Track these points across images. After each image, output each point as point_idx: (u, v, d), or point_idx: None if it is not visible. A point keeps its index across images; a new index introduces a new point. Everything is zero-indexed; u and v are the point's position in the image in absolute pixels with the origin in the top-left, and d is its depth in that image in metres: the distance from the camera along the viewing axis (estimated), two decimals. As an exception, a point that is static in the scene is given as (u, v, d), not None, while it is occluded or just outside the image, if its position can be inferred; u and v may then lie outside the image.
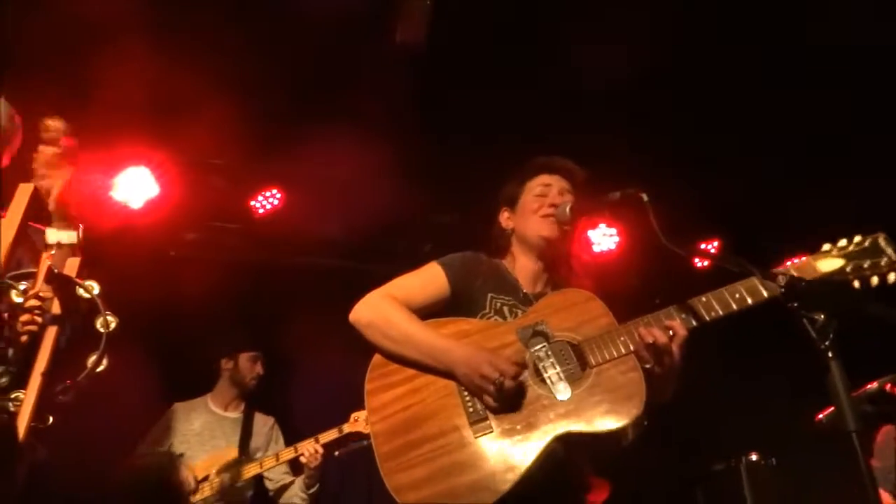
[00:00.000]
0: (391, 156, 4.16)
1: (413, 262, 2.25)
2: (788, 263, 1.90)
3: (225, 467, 3.72)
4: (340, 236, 5.00)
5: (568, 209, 2.17)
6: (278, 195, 4.77)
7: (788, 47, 3.97)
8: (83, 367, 1.59)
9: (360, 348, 2.10)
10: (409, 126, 4.26)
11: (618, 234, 5.06)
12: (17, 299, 1.58)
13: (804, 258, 1.90)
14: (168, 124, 4.15)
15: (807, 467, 4.10)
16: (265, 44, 3.86)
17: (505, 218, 2.33)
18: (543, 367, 1.94)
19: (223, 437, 3.88)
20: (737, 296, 1.90)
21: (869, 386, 3.12)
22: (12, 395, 1.52)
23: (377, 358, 2.07)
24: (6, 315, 1.63)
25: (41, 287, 1.59)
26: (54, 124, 1.94)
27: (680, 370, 1.93)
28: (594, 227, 5.01)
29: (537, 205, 2.23)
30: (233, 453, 3.78)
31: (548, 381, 1.92)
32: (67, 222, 1.93)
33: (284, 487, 3.90)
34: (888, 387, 3.09)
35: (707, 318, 1.91)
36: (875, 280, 1.81)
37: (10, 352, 1.59)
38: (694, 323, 1.92)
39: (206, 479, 3.68)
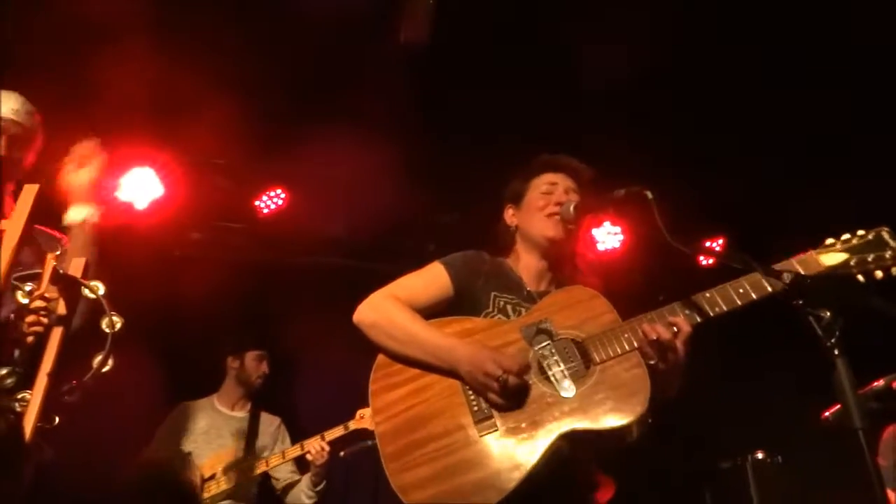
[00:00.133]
0: (395, 155, 4.16)
1: (417, 261, 2.25)
2: (792, 258, 1.89)
3: (231, 466, 3.73)
4: (344, 236, 5.01)
5: (572, 208, 2.17)
6: (282, 195, 4.78)
7: (789, 47, 3.96)
8: (89, 368, 1.59)
9: (365, 347, 2.10)
10: (413, 126, 4.26)
11: (622, 233, 5.05)
12: (23, 300, 1.59)
13: (808, 252, 1.90)
14: (172, 125, 4.16)
15: (813, 465, 4.08)
16: (269, 44, 3.87)
17: (509, 215, 2.33)
18: (548, 364, 1.94)
19: (229, 436, 3.88)
20: (740, 291, 1.89)
21: (875, 383, 3.11)
22: (19, 396, 1.53)
23: (381, 358, 2.07)
24: (12, 316, 1.64)
25: (47, 288, 1.60)
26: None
27: (684, 366, 1.92)
28: (599, 225, 5.00)
29: (542, 202, 2.22)
30: (239, 452, 3.79)
31: (552, 379, 1.91)
32: (92, 202, 2.11)
33: (291, 486, 3.91)
34: (895, 384, 3.08)
35: (711, 314, 1.91)
36: (879, 273, 1.81)
37: (17, 352, 1.60)
38: (698, 319, 1.91)
39: (212, 477, 3.69)
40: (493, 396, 1.90)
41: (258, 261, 4.96)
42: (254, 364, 4.06)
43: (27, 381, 1.56)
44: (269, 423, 4.04)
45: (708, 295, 1.92)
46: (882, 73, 4.00)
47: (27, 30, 3.25)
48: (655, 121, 4.23)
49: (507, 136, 4.11)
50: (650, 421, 1.90)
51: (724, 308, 1.90)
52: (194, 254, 4.79)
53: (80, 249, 2.05)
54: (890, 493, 3.33)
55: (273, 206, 4.78)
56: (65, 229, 2.14)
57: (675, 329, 1.89)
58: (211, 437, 3.86)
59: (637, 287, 4.88)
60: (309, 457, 3.72)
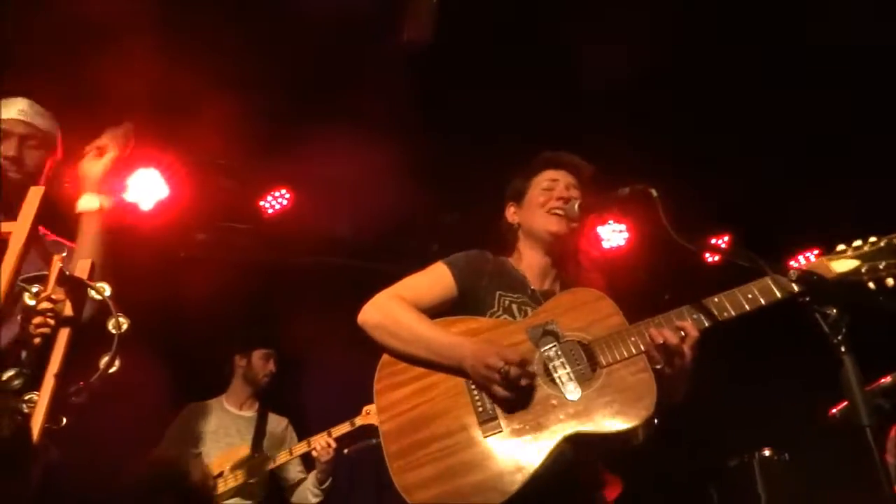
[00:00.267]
0: (398, 155, 4.16)
1: (422, 261, 2.25)
2: (803, 263, 1.89)
3: (239, 464, 3.74)
4: (349, 236, 5.02)
5: (577, 206, 2.16)
6: (287, 195, 4.79)
7: (789, 47, 3.95)
8: (96, 369, 1.60)
9: (371, 347, 2.10)
10: (416, 125, 4.27)
11: (627, 230, 5.04)
12: (30, 302, 1.59)
13: (819, 258, 1.89)
14: (177, 126, 4.17)
15: (820, 463, 4.07)
16: (272, 44, 3.88)
17: (511, 213, 2.32)
18: (553, 366, 1.93)
19: (237, 435, 3.90)
20: (749, 296, 1.88)
21: (883, 380, 3.09)
22: (26, 397, 1.53)
23: (385, 357, 2.07)
24: (19, 317, 1.64)
25: (53, 289, 1.60)
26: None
27: (691, 371, 1.91)
28: (603, 223, 5.00)
29: (543, 199, 2.22)
30: (246, 451, 3.80)
31: (558, 381, 1.91)
32: (104, 192, 2.15)
33: (297, 485, 3.92)
34: (903, 381, 3.06)
35: (719, 319, 1.90)
36: (891, 281, 1.80)
37: (24, 354, 1.60)
38: (706, 324, 1.90)
39: (220, 475, 3.70)
40: (496, 389, 1.88)
41: (263, 261, 4.98)
42: (261, 363, 4.09)
43: (34, 383, 1.57)
44: (277, 424, 4.06)
45: (717, 300, 1.91)
46: (882, 73, 3.98)
47: (30, 31, 3.27)
48: (657, 120, 4.23)
49: (509, 136, 4.11)
50: (656, 423, 1.90)
51: (733, 313, 1.89)
52: (200, 254, 4.80)
53: (92, 238, 2.06)
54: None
55: (278, 207, 4.79)
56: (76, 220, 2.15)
57: (682, 334, 1.88)
58: (219, 436, 3.88)
59: (642, 285, 4.88)
60: (315, 453, 3.73)
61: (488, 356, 1.89)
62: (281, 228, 4.85)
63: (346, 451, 3.83)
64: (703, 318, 1.90)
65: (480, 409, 1.92)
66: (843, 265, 1.85)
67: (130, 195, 4.32)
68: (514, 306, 2.12)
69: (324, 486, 3.81)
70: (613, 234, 5.02)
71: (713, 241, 5.19)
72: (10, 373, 1.56)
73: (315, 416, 4.17)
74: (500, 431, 1.87)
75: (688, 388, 1.97)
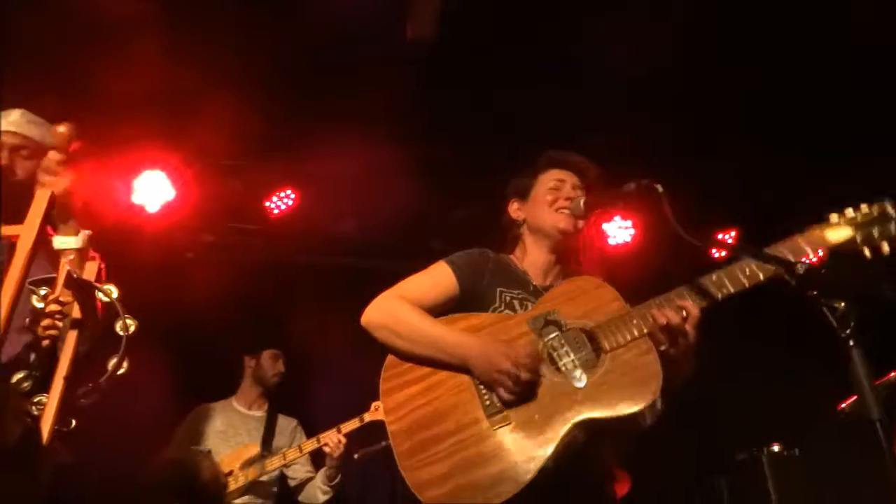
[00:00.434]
0: (404, 153, 4.17)
1: (429, 259, 2.25)
2: (797, 236, 1.88)
3: (248, 462, 3.75)
4: (356, 235, 5.02)
5: (582, 202, 2.17)
6: (293, 195, 4.79)
7: (792, 45, 3.94)
8: (104, 370, 1.60)
9: (378, 346, 2.10)
10: (421, 124, 4.27)
11: (633, 227, 5.03)
12: (38, 305, 1.60)
13: (813, 229, 1.88)
14: (183, 128, 4.19)
15: (830, 457, 4.06)
16: (277, 45, 3.88)
17: (514, 209, 2.33)
18: (558, 355, 1.94)
19: (247, 434, 3.92)
20: (747, 271, 1.88)
21: (892, 374, 3.08)
22: (35, 399, 1.55)
23: (390, 358, 2.07)
24: (28, 320, 1.65)
25: (61, 292, 1.61)
26: (61, 130, 1.98)
27: (695, 350, 1.92)
28: (609, 219, 4.98)
29: (552, 198, 2.22)
30: (256, 449, 3.82)
31: (563, 370, 1.91)
32: (70, 227, 1.99)
33: (305, 483, 3.92)
34: (912, 375, 3.05)
35: (719, 296, 1.90)
36: (886, 247, 1.79)
37: (33, 356, 1.61)
38: (706, 302, 1.90)
39: (230, 473, 3.72)
40: (505, 392, 1.90)
41: (270, 261, 4.98)
42: (270, 363, 4.12)
43: (44, 385, 1.58)
44: (287, 424, 4.07)
45: (714, 277, 1.92)
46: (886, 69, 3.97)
47: (33, 32, 3.27)
48: (660, 117, 4.22)
49: (514, 134, 4.11)
50: (662, 408, 1.90)
51: (732, 290, 1.89)
52: (207, 255, 4.82)
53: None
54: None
55: (284, 207, 4.80)
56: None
57: (684, 313, 1.88)
58: (228, 435, 3.90)
59: (649, 281, 4.87)
60: (326, 449, 3.73)
61: (498, 358, 1.90)
62: (287, 229, 4.86)
63: (356, 455, 3.84)
64: (702, 296, 1.90)
65: (488, 402, 1.92)
66: (837, 234, 1.84)
67: (137, 197, 4.34)
68: (516, 302, 2.12)
69: (333, 483, 3.81)
70: (619, 231, 5.01)
71: (720, 236, 5.18)
72: (20, 375, 1.58)
73: (324, 416, 4.17)
74: (510, 423, 1.88)
75: (692, 367, 1.96)
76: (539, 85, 4.06)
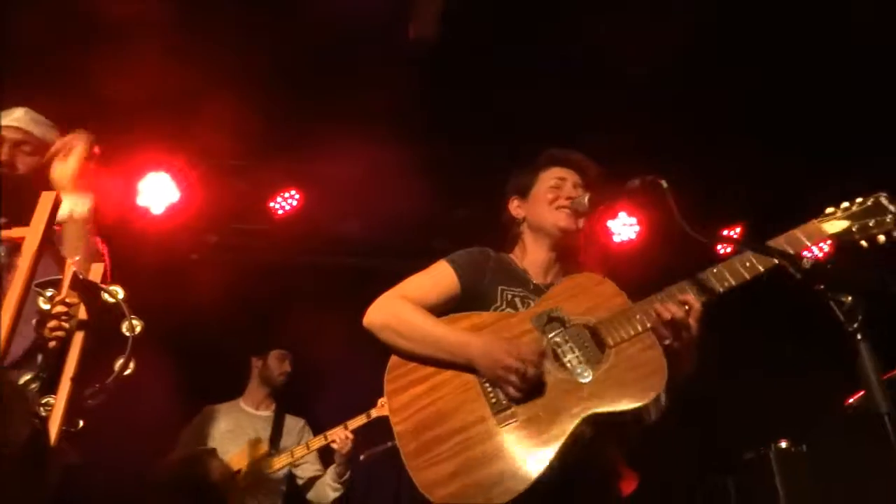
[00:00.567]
0: (408, 153, 4.17)
1: (433, 258, 2.25)
2: (795, 230, 1.88)
3: (256, 460, 3.76)
4: (360, 235, 5.02)
5: (587, 199, 2.16)
6: (297, 196, 4.80)
7: (798, 42, 3.93)
8: (111, 371, 1.61)
9: (382, 345, 2.10)
10: (424, 123, 4.27)
11: (638, 224, 5.01)
12: (45, 306, 1.61)
13: (810, 222, 1.89)
14: (187, 129, 4.20)
15: (838, 453, 4.04)
16: (281, 46, 3.89)
17: (514, 206, 2.33)
18: (562, 352, 1.94)
19: (254, 434, 3.94)
20: (747, 264, 1.89)
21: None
22: (43, 401, 1.55)
23: (394, 359, 2.07)
24: (35, 322, 1.66)
25: (67, 293, 1.62)
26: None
27: (697, 344, 1.92)
28: (614, 216, 4.97)
29: (552, 196, 2.22)
30: (263, 448, 3.82)
31: (568, 366, 1.91)
32: (79, 192, 2.07)
33: (314, 480, 3.92)
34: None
35: (720, 290, 1.90)
36: (882, 238, 1.80)
37: (40, 357, 1.62)
38: (707, 295, 1.91)
39: (238, 472, 3.73)
40: (511, 389, 1.90)
41: (275, 262, 4.99)
42: (276, 363, 4.15)
43: (51, 386, 1.58)
44: (294, 424, 4.09)
45: (715, 271, 1.92)
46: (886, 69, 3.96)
47: (37, 34, 3.28)
48: (663, 115, 4.22)
49: (517, 133, 4.10)
50: (666, 404, 1.90)
51: (733, 282, 1.90)
52: (211, 257, 4.83)
53: (71, 242, 2.03)
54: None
55: (288, 208, 4.80)
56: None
57: (686, 307, 1.89)
58: (235, 434, 3.92)
59: (654, 278, 4.86)
60: (334, 445, 3.73)
61: (503, 356, 1.90)
62: (292, 229, 4.86)
63: (361, 457, 3.84)
64: (704, 290, 1.91)
65: (494, 400, 1.92)
66: (834, 226, 1.86)
67: (142, 199, 4.35)
68: (517, 300, 2.12)
69: (343, 479, 3.80)
70: (624, 228, 4.99)
71: (725, 232, 5.16)
72: (28, 377, 1.58)
73: (330, 415, 4.17)
74: (516, 421, 1.88)
75: (694, 361, 1.97)
76: (539, 85, 4.06)
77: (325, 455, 3.94)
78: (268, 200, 4.79)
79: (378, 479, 4.54)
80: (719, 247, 4.31)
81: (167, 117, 4.11)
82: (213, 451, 3.71)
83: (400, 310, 2.07)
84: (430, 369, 2.01)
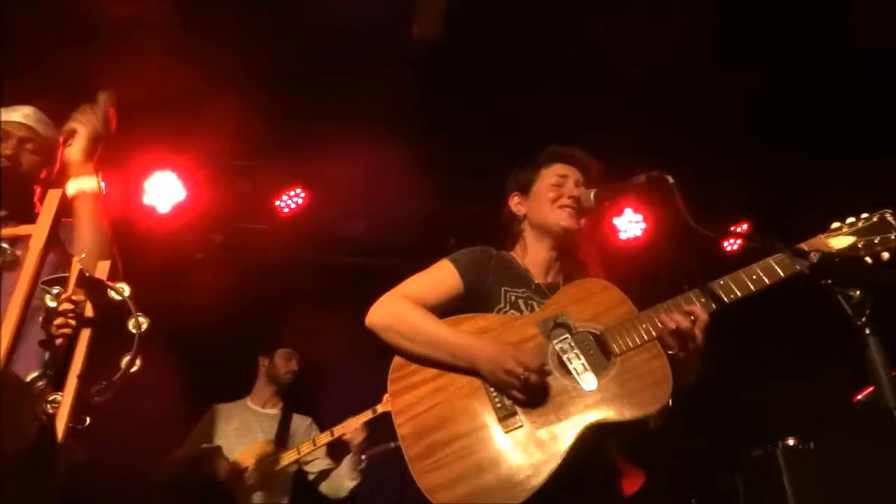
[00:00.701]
0: (413, 151, 4.17)
1: (439, 256, 2.24)
2: (802, 245, 1.89)
3: (263, 458, 3.77)
4: (366, 233, 5.03)
5: (593, 195, 2.16)
6: (302, 194, 4.80)
7: (804, 39, 3.92)
8: (117, 369, 1.61)
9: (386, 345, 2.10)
10: (429, 121, 4.27)
11: (644, 221, 5.00)
12: (51, 303, 1.61)
13: (817, 237, 1.91)
14: (192, 129, 4.21)
15: (847, 450, 4.02)
16: (285, 45, 3.89)
17: (515, 203, 2.32)
18: (568, 358, 1.94)
19: (261, 432, 3.95)
20: (754, 277, 1.90)
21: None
22: (50, 398, 1.55)
23: (397, 360, 2.06)
24: (41, 319, 1.66)
25: (73, 290, 1.62)
26: (104, 94, 2.18)
27: (702, 354, 1.92)
28: (620, 213, 4.96)
29: (553, 194, 2.21)
30: (270, 446, 3.83)
31: (573, 373, 1.91)
32: (87, 173, 2.07)
33: (326, 473, 3.90)
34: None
35: (726, 301, 1.91)
36: (886, 255, 1.82)
37: (46, 355, 1.62)
38: (714, 306, 1.91)
39: (245, 470, 3.74)
40: (515, 393, 1.89)
41: (280, 260, 5.00)
42: (283, 361, 4.17)
43: (58, 383, 1.59)
44: (301, 422, 4.10)
45: (722, 282, 1.93)
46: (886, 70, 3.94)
47: (40, 33, 3.30)
48: (667, 113, 4.21)
49: (522, 131, 4.10)
50: (670, 408, 1.90)
51: (739, 294, 1.90)
52: (217, 255, 4.84)
53: (82, 222, 2.04)
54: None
55: (293, 206, 4.81)
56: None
57: (692, 317, 1.88)
58: (242, 432, 3.93)
59: (661, 275, 4.85)
60: (348, 436, 3.72)
61: (506, 361, 1.89)
62: (297, 228, 4.87)
63: (363, 456, 3.84)
64: (710, 300, 1.91)
65: (499, 405, 1.92)
66: (840, 242, 1.87)
67: (148, 198, 4.37)
68: (521, 301, 2.12)
69: (360, 469, 3.78)
70: (630, 225, 4.98)
71: (731, 227, 5.15)
72: (34, 374, 1.58)
73: (336, 413, 4.18)
74: (521, 426, 1.87)
75: (699, 370, 1.98)
76: (539, 85, 4.06)
77: (332, 452, 3.93)
78: (273, 199, 4.79)
79: (382, 479, 4.54)
80: (726, 243, 4.31)
81: (173, 117, 4.12)
82: (219, 450, 3.72)
83: (403, 311, 2.06)
84: (434, 371, 2.00)
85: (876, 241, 1.83)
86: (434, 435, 1.91)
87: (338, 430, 3.78)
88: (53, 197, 1.57)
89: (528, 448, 1.84)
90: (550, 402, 1.88)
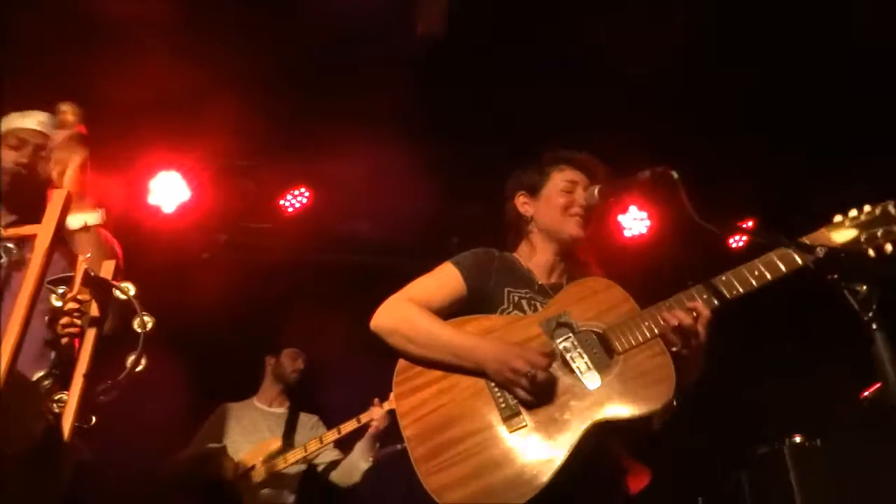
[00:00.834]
0: (417, 150, 4.17)
1: (444, 256, 2.25)
2: (804, 238, 1.88)
3: (270, 457, 3.78)
4: (370, 232, 5.03)
5: (597, 191, 2.16)
6: (307, 194, 4.81)
7: (802, 37, 3.91)
8: (122, 368, 1.62)
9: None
10: (433, 121, 4.27)
11: (649, 218, 4.99)
12: (57, 303, 1.61)
13: (819, 231, 1.89)
14: (197, 129, 4.21)
15: (854, 447, 4.00)
16: (289, 45, 3.90)
17: (522, 203, 2.32)
18: (571, 357, 1.94)
19: (268, 430, 3.96)
20: (756, 272, 1.89)
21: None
22: (56, 397, 1.56)
23: (402, 362, 2.07)
24: (47, 319, 1.66)
25: (79, 290, 1.62)
26: (68, 108, 2.08)
27: (706, 350, 1.92)
28: (624, 210, 4.95)
29: (564, 201, 2.22)
30: (277, 444, 3.84)
31: (577, 372, 1.91)
32: (87, 204, 2.05)
33: (336, 462, 3.89)
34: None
35: (728, 297, 1.90)
36: (889, 247, 1.80)
37: (52, 354, 1.63)
38: (716, 302, 1.91)
39: (252, 468, 3.74)
40: (521, 392, 1.90)
41: (286, 260, 5.01)
42: (289, 361, 4.19)
43: (64, 383, 1.59)
44: (308, 420, 4.11)
45: (724, 278, 1.92)
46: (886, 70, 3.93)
47: (45, 34, 3.30)
48: (670, 111, 4.20)
49: (526, 130, 4.10)
50: (674, 406, 1.90)
51: (741, 290, 1.90)
52: (222, 255, 4.84)
53: (84, 249, 2.02)
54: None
55: (298, 206, 4.81)
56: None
57: (695, 314, 1.88)
58: (249, 431, 3.94)
59: (665, 273, 4.84)
60: (375, 422, 3.69)
61: (513, 360, 1.90)
62: (301, 227, 4.88)
63: (371, 458, 3.84)
64: (712, 297, 1.91)
65: (503, 405, 1.92)
66: (842, 235, 1.85)
67: (153, 198, 4.37)
68: (524, 302, 2.13)
69: (376, 449, 3.75)
70: (635, 223, 4.97)
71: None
72: (40, 374, 1.59)
73: (341, 411, 4.19)
74: (525, 426, 1.88)
75: (702, 367, 1.98)
76: (552, 80, 4.05)
77: (339, 447, 3.94)
78: (277, 199, 4.80)
79: (388, 481, 4.54)
80: (731, 240, 4.29)
81: (177, 118, 4.13)
82: (224, 449, 3.73)
83: (408, 313, 2.07)
84: (438, 373, 2.01)
85: (878, 234, 1.81)
86: (439, 436, 1.91)
87: (344, 428, 3.78)
88: (59, 197, 1.58)
89: (532, 447, 1.84)
90: (554, 401, 1.89)
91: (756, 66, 4.03)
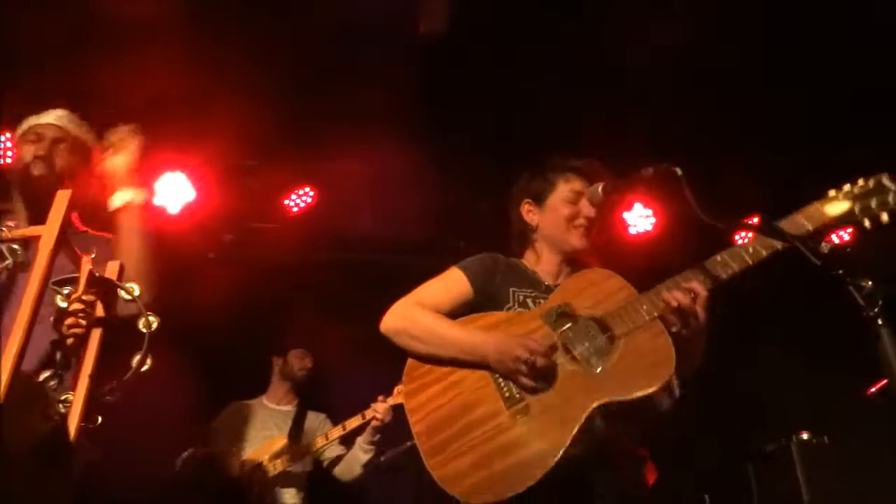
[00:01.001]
0: (421, 150, 4.17)
1: (449, 255, 2.29)
2: (797, 213, 1.87)
3: (277, 454, 3.78)
4: (375, 232, 5.03)
5: (600, 189, 2.16)
6: (311, 193, 4.81)
7: (802, 36, 3.89)
8: (128, 368, 1.62)
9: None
10: (438, 120, 4.27)
11: (654, 215, 4.97)
12: (62, 304, 1.62)
13: (812, 205, 1.87)
14: (202, 129, 4.22)
15: (861, 443, 4.00)
16: (293, 45, 3.90)
17: (526, 210, 2.33)
18: (573, 345, 1.97)
19: (275, 428, 3.97)
20: (750, 250, 1.90)
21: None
22: (62, 397, 1.56)
23: (411, 362, 2.12)
24: (52, 319, 1.67)
25: (84, 290, 1.63)
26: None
27: (706, 332, 1.94)
28: (629, 208, 4.93)
29: (569, 212, 2.23)
30: (284, 442, 3.85)
31: (579, 358, 1.95)
32: (133, 184, 2.20)
33: (340, 457, 3.88)
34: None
35: (724, 276, 1.91)
36: (885, 217, 1.78)
37: (58, 355, 1.63)
38: (712, 283, 1.92)
39: (259, 465, 3.75)
40: (523, 379, 1.93)
41: (291, 260, 5.01)
42: (297, 360, 4.19)
43: (70, 383, 1.60)
44: (315, 417, 4.12)
45: (719, 258, 1.94)
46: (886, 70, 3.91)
47: (50, 35, 3.32)
48: (673, 109, 4.19)
49: (530, 130, 4.11)
50: (681, 392, 1.91)
51: (736, 269, 1.90)
52: (227, 255, 4.86)
53: (128, 233, 2.10)
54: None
55: (302, 205, 4.82)
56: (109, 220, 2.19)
57: (692, 294, 1.90)
58: (257, 429, 3.95)
59: (671, 270, 4.82)
60: (378, 416, 3.66)
61: (513, 348, 1.94)
62: (306, 226, 4.88)
63: (381, 458, 3.84)
64: (708, 277, 1.92)
65: (507, 394, 1.96)
66: (836, 208, 1.84)
67: (158, 199, 4.38)
68: (529, 300, 2.16)
69: (374, 440, 3.70)
70: (640, 220, 4.95)
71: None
72: (46, 374, 1.60)
73: (348, 409, 4.19)
74: (530, 413, 1.91)
75: (704, 349, 1.99)
76: (556, 79, 4.04)
77: (345, 443, 3.94)
78: (282, 199, 4.81)
79: (399, 480, 4.54)
80: (737, 236, 4.27)
81: (182, 119, 4.14)
82: (230, 450, 3.74)
83: (414, 314, 2.14)
84: (445, 369, 2.06)
85: (873, 205, 1.79)
86: (447, 430, 1.96)
87: (349, 424, 3.78)
88: (63, 197, 1.58)
89: (536, 433, 1.88)
90: (557, 388, 1.93)
91: (755, 66, 4.03)
